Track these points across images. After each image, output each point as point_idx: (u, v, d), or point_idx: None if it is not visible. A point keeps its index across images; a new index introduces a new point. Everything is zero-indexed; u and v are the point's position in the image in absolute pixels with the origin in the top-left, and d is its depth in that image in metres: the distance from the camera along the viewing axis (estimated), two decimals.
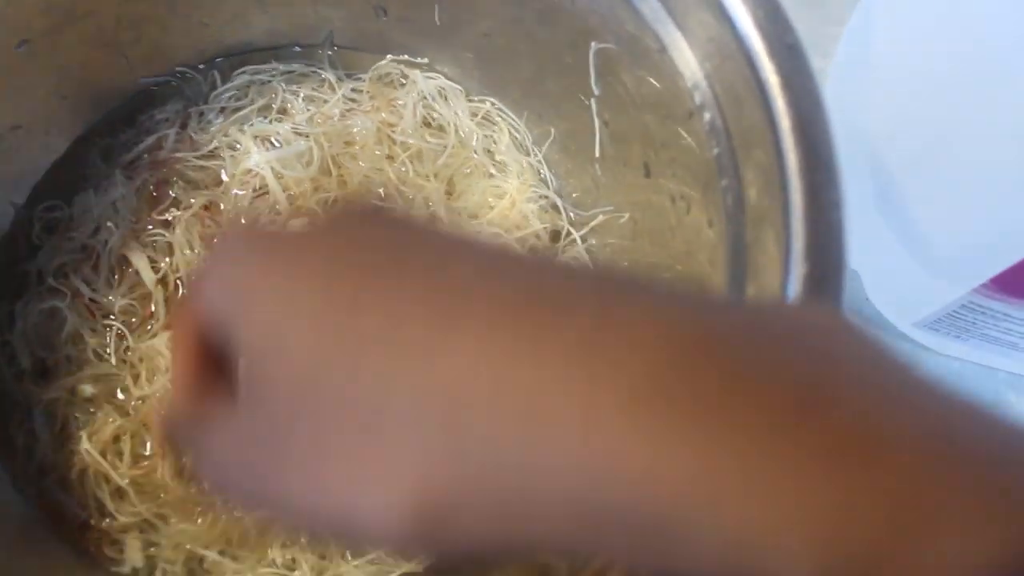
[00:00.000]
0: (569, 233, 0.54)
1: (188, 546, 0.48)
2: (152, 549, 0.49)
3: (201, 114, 0.55)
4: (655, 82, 0.44)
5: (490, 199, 0.54)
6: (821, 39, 0.39)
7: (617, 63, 0.46)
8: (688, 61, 0.42)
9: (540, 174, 0.56)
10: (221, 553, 0.48)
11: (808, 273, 0.35)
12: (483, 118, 0.57)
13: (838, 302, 0.35)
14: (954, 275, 0.52)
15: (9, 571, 0.46)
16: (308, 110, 0.55)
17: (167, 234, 0.52)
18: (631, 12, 0.43)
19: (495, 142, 0.56)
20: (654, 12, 0.42)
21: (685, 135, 0.43)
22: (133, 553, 0.48)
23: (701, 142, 0.42)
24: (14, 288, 0.52)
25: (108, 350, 0.51)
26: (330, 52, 0.57)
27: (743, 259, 0.39)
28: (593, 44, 0.47)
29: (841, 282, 0.35)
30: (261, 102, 0.56)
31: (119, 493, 0.49)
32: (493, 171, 0.55)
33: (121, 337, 0.51)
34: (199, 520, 0.49)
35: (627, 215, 0.50)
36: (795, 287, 0.35)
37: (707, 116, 0.41)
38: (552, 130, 0.54)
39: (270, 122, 0.55)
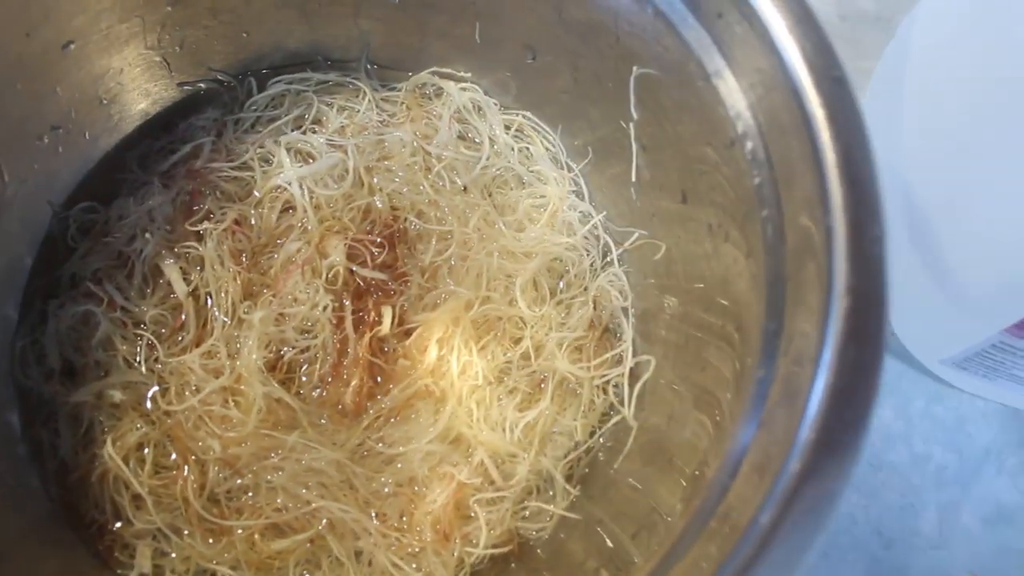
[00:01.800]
0: (607, 251, 0.54)
1: (200, 562, 0.49)
2: (162, 559, 0.49)
3: (237, 122, 0.56)
4: (697, 109, 0.44)
5: (532, 211, 0.55)
6: (854, 73, 0.39)
7: (658, 88, 0.47)
8: (732, 90, 0.42)
9: (577, 187, 0.56)
10: (234, 568, 0.48)
11: (850, 308, 0.35)
12: (516, 131, 0.57)
13: (879, 338, 0.35)
14: (985, 314, 0.52)
15: (29, 565, 0.46)
16: (342, 121, 0.56)
17: (199, 247, 0.53)
18: (677, 39, 0.43)
19: (530, 155, 0.56)
20: (700, 40, 0.43)
21: (725, 164, 0.43)
22: (143, 560, 0.49)
23: (742, 171, 0.42)
24: (47, 288, 0.52)
25: (138, 359, 0.51)
26: (368, 66, 0.58)
27: (782, 291, 0.39)
28: (635, 68, 0.48)
29: (883, 319, 0.35)
30: (296, 112, 0.56)
31: (137, 501, 0.50)
32: (530, 180, 0.56)
33: (151, 347, 0.51)
34: (211, 540, 0.49)
35: (662, 241, 0.50)
36: (836, 323, 0.35)
37: (749, 145, 0.42)
38: (589, 150, 0.55)
39: (304, 133, 0.56)
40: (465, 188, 0.55)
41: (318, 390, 0.51)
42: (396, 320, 0.51)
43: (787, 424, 0.35)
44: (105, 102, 0.53)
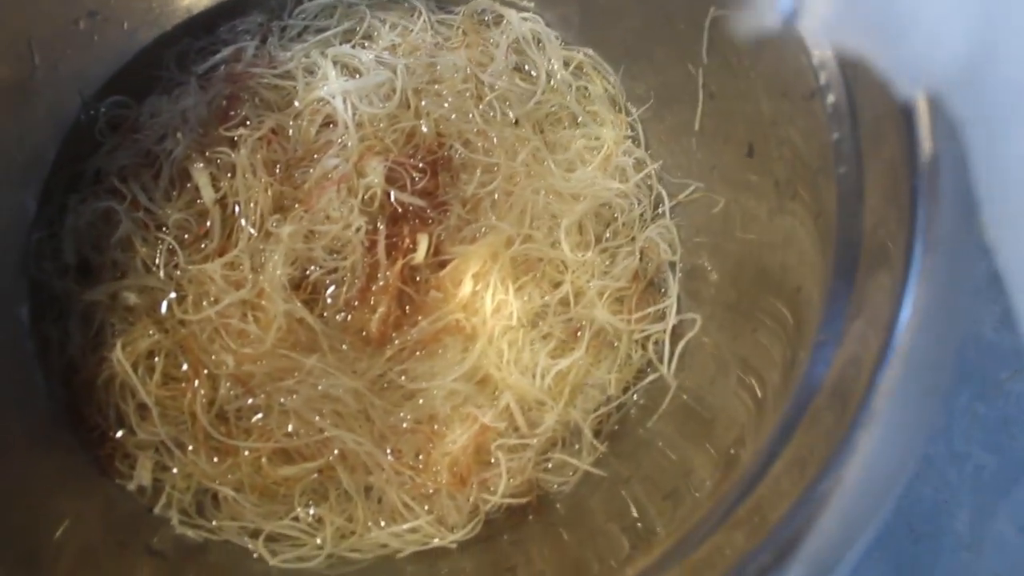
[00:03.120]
0: (659, 202, 0.52)
1: (202, 480, 0.47)
2: (163, 473, 0.48)
3: (283, 29, 0.54)
4: (775, 57, 0.42)
5: (584, 153, 0.52)
6: None
7: (735, 32, 0.45)
8: (818, 37, 0.40)
9: (634, 133, 0.54)
10: (237, 491, 0.47)
11: (932, 270, 0.33)
12: (576, 68, 0.55)
13: (963, 307, 0.33)
14: None
15: (27, 463, 0.44)
16: (394, 39, 0.54)
17: (232, 153, 0.51)
18: None
19: (588, 94, 0.54)
20: None
21: (802, 116, 0.41)
22: (143, 471, 0.47)
23: (820, 125, 0.40)
24: (69, 181, 0.51)
25: (157, 262, 0.49)
26: None
27: (856, 250, 0.37)
28: (712, 9, 0.45)
29: (969, 287, 0.33)
30: (346, 24, 0.54)
31: (142, 410, 0.48)
32: (587, 119, 0.53)
33: (172, 252, 0.49)
34: (215, 459, 0.47)
35: (721, 195, 0.48)
36: (917, 287, 0.33)
37: (831, 98, 0.39)
38: (651, 95, 0.52)
39: (353, 47, 0.53)
40: (516, 121, 0.53)
41: (343, 314, 0.49)
42: (432, 250, 0.49)
43: (852, 391, 0.33)
44: None
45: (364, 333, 0.48)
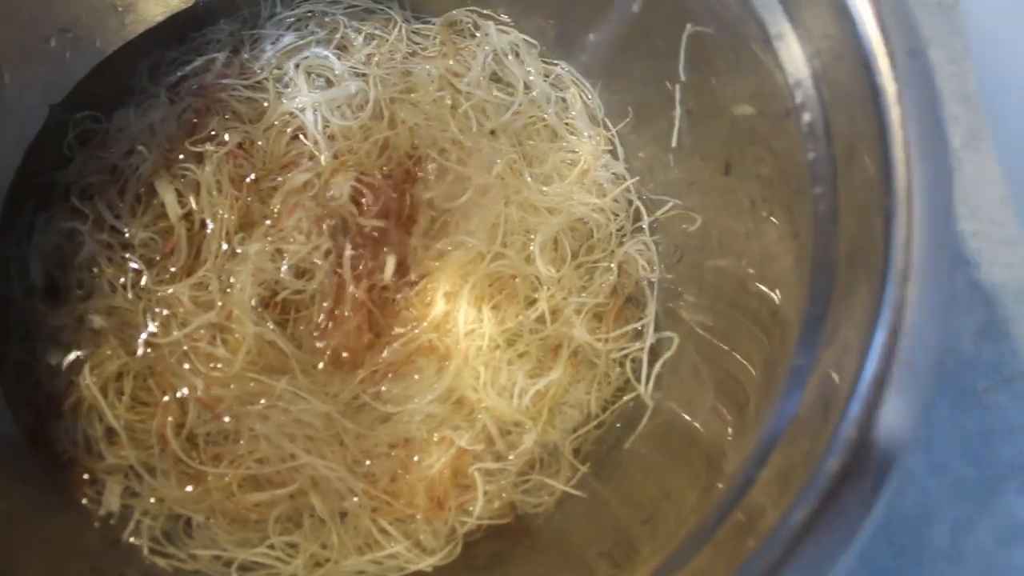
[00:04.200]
0: (637, 217, 0.52)
1: (173, 507, 0.47)
2: (132, 499, 0.48)
3: (255, 39, 0.54)
4: (752, 75, 0.42)
5: (561, 166, 0.53)
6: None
7: (712, 49, 0.45)
8: (794, 56, 0.40)
9: (612, 147, 0.54)
10: (208, 518, 0.47)
11: (908, 299, 0.33)
12: (555, 80, 0.55)
13: (937, 336, 0.33)
14: None
15: None
16: (369, 50, 0.54)
17: (196, 170, 0.51)
18: None
19: (566, 107, 0.54)
20: (765, 2, 0.41)
21: (778, 135, 0.42)
22: (111, 497, 0.47)
23: (795, 145, 0.40)
24: (38, 197, 0.50)
25: (124, 282, 0.49)
26: None
27: (831, 275, 0.37)
28: (688, 26, 0.46)
29: (942, 314, 0.33)
30: (321, 34, 0.54)
31: (110, 435, 0.48)
32: (564, 133, 0.54)
33: (139, 273, 0.49)
34: (187, 485, 0.47)
35: (698, 213, 0.48)
36: (890, 315, 0.33)
37: (807, 117, 0.40)
38: (629, 110, 0.53)
39: (327, 57, 0.53)
40: (493, 132, 0.53)
41: (314, 336, 0.49)
42: (400, 268, 0.49)
43: (825, 419, 0.34)
44: (120, 9, 0.50)
45: (336, 355, 0.48)
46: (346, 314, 0.48)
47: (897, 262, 0.34)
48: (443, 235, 0.51)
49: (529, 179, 0.52)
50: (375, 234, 0.50)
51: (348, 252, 0.49)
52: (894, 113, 0.36)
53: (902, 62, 0.36)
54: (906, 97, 0.36)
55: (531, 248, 0.50)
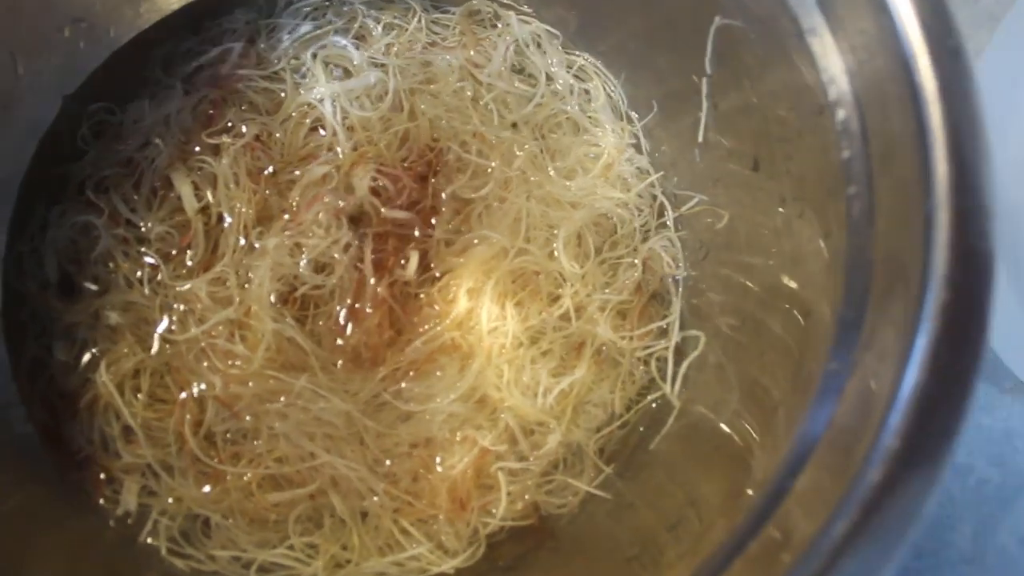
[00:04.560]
0: (662, 213, 0.52)
1: (191, 506, 0.47)
2: (150, 498, 0.47)
3: (272, 29, 0.53)
4: (783, 69, 0.42)
5: (585, 160, 0.52)
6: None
7: (741, 42, 0.44)
8: (828, 51, 0.39)
9: (636, 141, 0.53)
10: (227, 518, 0.47)
11: (948, 303, 0.33)
12: (577, 72, 0.54)
13: (980, 339, 0.33)
14: None
15: (4, 498, 0.44)
16: (388, 39, 0.53)
17: (213, 162, 0.50)
18: None
19: (589, 100, 0.54)
20: None
21: (810, 132, 0.41)
22: (129, 496, 0.47)
23: (829, 142, 0.39)
24: (52, 191, 0.50)
25: (141, 277, 0.49)
26: None
27: (866, 278, 0.37)
28: (717, 19, 0.45)
29: (985, 318, 0.33)
30: (339, 23, 0.53)
31: (127, 433, 0.48)
32: (588, 125, 0.53)
33: (155, 268, 0.49)
34: (205, 485, 0.47)
35: (725, 209, 0.48)
36: (931, 318, 0.33)
37: (841, 114, 0.39)
38: (653, 103, 0.52)
39: (345, 47, 0.53)
40: (515, 124, 0.52)
41: (333, 332, 0.48)
42: (422, 263, 0.49)
43: (864, 427, 0.33)
44: None
45: (356, 353, 0.48)
46: (367, 310, 0.48)
47: (937, 266, 0.34)
48: (466, 229, 0.50)
49: (552, 172, 0.51)
50: (397, 227, 0.49)
51: (369, 246, 0.48)
52: (934, 112, 0.35)
53: (942, 60, 0.36)
54: (947, 96, 0.35)
55: (554, 244, 0.49)
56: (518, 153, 0.51)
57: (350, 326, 0.48)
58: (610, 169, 0.51)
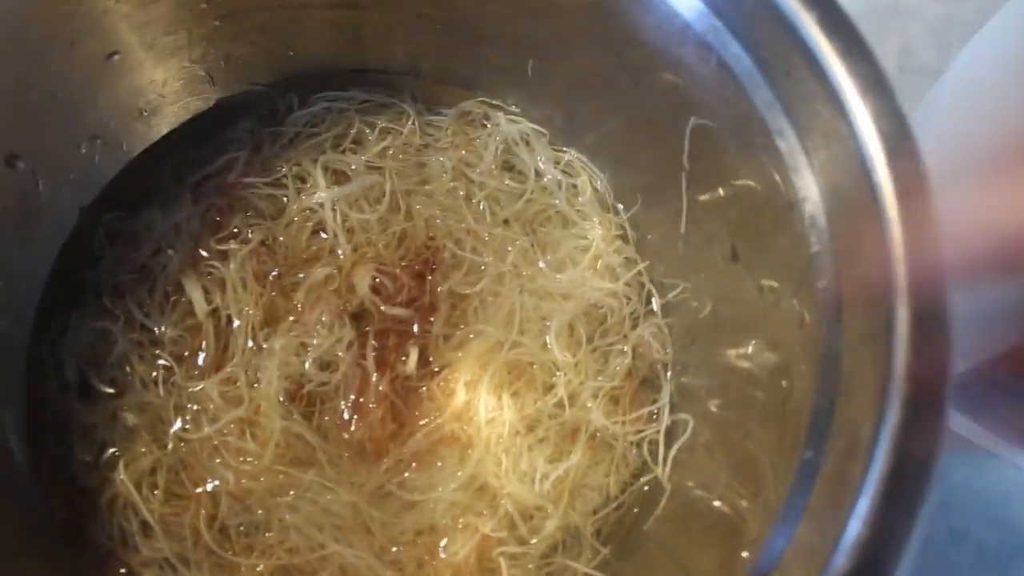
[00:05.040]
0: (649, 300, 0.54)
1: None
2: None
3: (275, 137, 0.57)
4: (755, 167, 0.44)
5: (574, 252, 0.55)
6: None
7: (715, 140, 0.47)
8: (794, 151, 0.42)
9: (623, 232, 0.56)
10: None
11: (909, 397, 0.35)
12: (565, 167, 0.57)
13: (938, 430, 0.35)
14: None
15: None
16: (383, 144, 0.56)
17: (221, 267, 0.53)
18: (740, 94, 0.43)
19: (577, 193, 0.57)
20: (764, 98, 0.43)
21: (782, 226, 0.43)
22: None
23: (799, 236, 0.42)
24: (70, 297, 0.53)
25: (155, 379, 0.52)
26: (416, 83, 0.58)
27: (837, 369, 0.39)
28: (692, 119, 0.48)
29: (943, 408, 0.35)
30: (336, 130, 0.57)
31: (145, 528, 0.50)
32: (576, 219, 0.56)
33: (169, 370, 0.52)
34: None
35: (708, 297, 0.50)
36: (894, 412, 0.35)
37: (808, 210, 0.42)
38: (637, 196, 0.55)
39: (343, 152, 0.56)
40: (507, 220, 0.56)
41: (338, 427, 0.51)
42: (422, 358, 0.52)
43: (835, 516, 0.35)
44: (145, 114, 0.53)
45: (360, 446, 0.50)
46: (370, 405, 0.50)
47: (899, 360, 0.36)
48: (463, 322, 0.53)
49: (543, 266, 0.54)
50: (397, 324, 0.52)
51: (371, 343, 0.51)
52: (892, 212, 0.38)
53: (898, 161, 0.38)
54: (904, 196, 0.38)
55: (547, 336, 0.52)
56: (510, 248, 0.54)
57: (355, 421, 0.51)
58: (598, 260, 0.54)
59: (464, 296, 0.53)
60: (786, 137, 0.42)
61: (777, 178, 0.43)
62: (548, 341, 0.52)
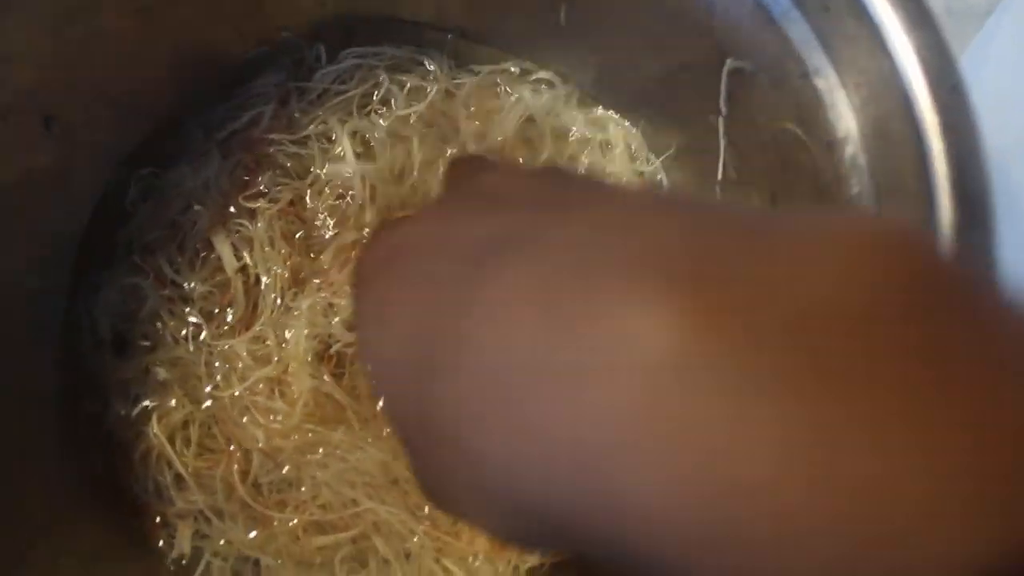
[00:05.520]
0: None
1: (241, 549, 0.50)
2: (202, 541, 0.50)
3: (301, 92, 0.56)
4: (793, 108, 0.43)
5: None
6: None
7: (752, 84, 0.46)
8: (833, 89, 0.41)
9: (658, 182, 0.55)
10: (277, 560, 0.49)
11: None
12: (596, 123, 0.57)
13: None
14: None
15: (67, 539, 0.48)
16: (410, 106, 0.56)
17: (250, 226, 0.53)
18: (776, 33, 0.42)
19: (610, 148, 0.56)
20: (802, 35, 0.42)
21: (822, 168, 0.42)
22: (183, 540, 0.50)
23: (839, 177, 0.41)
24: (103, 254, 0.54)
25: (186, 335, 0.52)
26: (449, 36, 0.57)
27: None
28: (728, 62, 0.46)
29: None
30: (363, 88, 0.56)
31: (179, 481, 0.51)
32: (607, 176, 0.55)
33: (198, 326, 0.52)
34: (253, 530, 0.50)
35: None
36: None
37: (849, 150, 0.40)
38: (672, 144, 0.54)
39: (368, 114, 0.56)
40: None
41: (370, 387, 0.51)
42: None
43: None
44: (176, 67, 0.53)
45: None
46: None
47: None
48: None
49: None
50: None
51: None
52: (936, 146, 0.37)
53: (942, 96, 0.37)
54: (948, 130, 0.36)
55: None
56: None
57: None
58: None
59: None
60: (824, 75, 0.41)
61: (816, 118, 0.42)
62: None
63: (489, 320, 0.21)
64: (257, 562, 0.50)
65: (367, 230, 0.53)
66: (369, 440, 0.49)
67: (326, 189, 0.54)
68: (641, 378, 0.18)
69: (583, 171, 0.55)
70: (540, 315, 0.20)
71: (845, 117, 0.41)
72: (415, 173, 0.54)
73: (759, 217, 0.22)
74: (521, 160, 0.55)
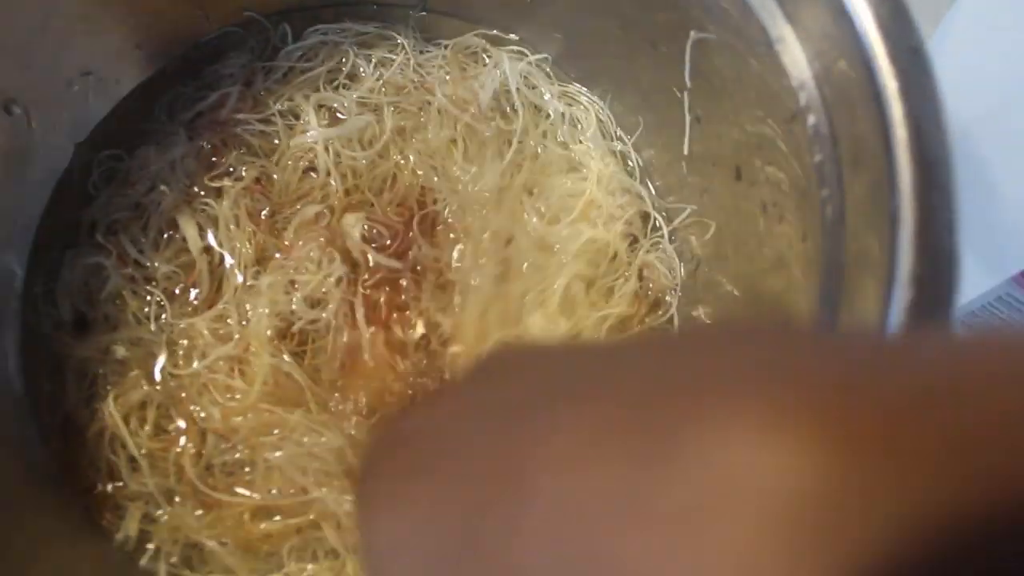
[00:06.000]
0: (656, 227, 0.53)
1: (188, 534, 0.49)
2: (151, 525, 0.49)
3: (267, 72, 0.56)
4: (756, 79, 0.43)
5: (574, 187, 0.53)
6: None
7: (716, 55, 0.45)
8: (796, 59, 0.40)
9: (628, 163, 0.55)
10: (222, 544, 0.48)
11: (913, 300, 0.33)
12: (565, 99, 0.56)
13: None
14: (994, 262, 0.51)
15: (18, 525, 0.46)
16: (378, 78, 0.55)
17: (215, 205, 0.53)
18: (737, 1, 0.42)
19: (581, 126, 0.55)
20: (763, 2, 0.41)
21: (785, 138, 0.42)
22: (130, 522, 0.49)
23: (802, 147, 0.40)
24: (64, 236, 0.53)
25: (148, 314, 0.51)
26: (412, 14, 0.57)
27: (839, 278, 0.37)
28: (692, 33, 0.46)
29: (950, 314, 0.33)
30: (330, 64, 0.56)
31: (133, 462, 0.50)
32: (578, 151, 0.55)
33: (161, 305, 0.51)
34: (201, 512, 0.49)
35: (712, 219, 0.49)
36: (897, 315, 0.33)
37: (811, 120, 0.40)
38: (640, 120, 0.53)
39: (336, 88, 0.55)
40: (503, 159, 0.54)
41: (331, 367, 0.50)
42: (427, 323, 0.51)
43: None
44: (137, 48, 0.53)
45: (355, 403, 0.50)
46: (365, 359, 0.49)
47: (903, 265, 0.34)
48: (455, 279, 0.52)
49: (536, 221, 0.53)
50: (391, 273, 0.51)
51: (360, 299, 0.50)
52: (896, 111, 0.36)
53: (902, 59, 0.36)
54: (908, 95, 0.36)
55: (548, 292, 0.51)
56: (505, 194, 0.52)
57: (347, 372, 0.50)
58: (596, 201, 0.52)
59: (459, 246, 0.52)
60: (787, 43, 0.40)
61: (779, 88, 0.41)
62: (548, 299, 0.51)
63: (557, 472, 0.18)
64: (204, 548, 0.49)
65: (331, 202, 0.52)
66: (326, 425, 0.48)
67: (289, 163, 0.53)
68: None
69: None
70: (621, 454, 0.17)
71: (807, 86, 0.40)
72: (384, 140, 0.54)
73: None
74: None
